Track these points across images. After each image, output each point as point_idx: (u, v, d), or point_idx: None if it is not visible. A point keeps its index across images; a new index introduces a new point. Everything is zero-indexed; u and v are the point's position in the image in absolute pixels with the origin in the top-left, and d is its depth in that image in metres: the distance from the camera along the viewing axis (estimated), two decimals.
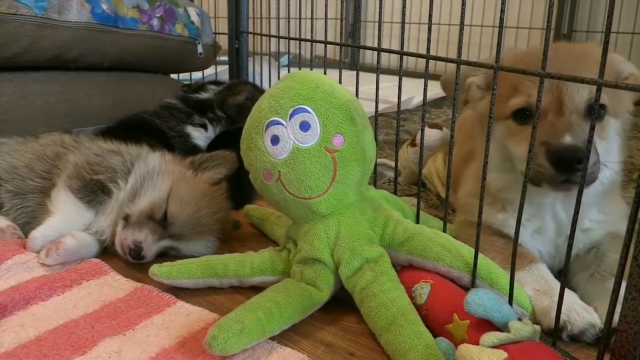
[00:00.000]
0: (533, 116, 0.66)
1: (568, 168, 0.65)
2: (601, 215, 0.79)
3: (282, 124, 0.74)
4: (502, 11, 0.63)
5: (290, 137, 0.74)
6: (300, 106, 0.74)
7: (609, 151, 0.74)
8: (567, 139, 0.65)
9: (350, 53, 3.54)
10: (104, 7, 1.33)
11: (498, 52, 0.65)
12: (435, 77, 0.89)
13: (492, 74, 0.65)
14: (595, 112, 0.55)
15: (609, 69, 0.70)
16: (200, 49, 1.63)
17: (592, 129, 0.54)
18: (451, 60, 0.74)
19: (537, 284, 0.70)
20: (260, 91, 1.39)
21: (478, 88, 0.82)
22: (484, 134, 0.67)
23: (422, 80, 0.79)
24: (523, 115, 0.72)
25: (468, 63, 0.72)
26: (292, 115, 0.74)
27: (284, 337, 0.67)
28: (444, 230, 0.80)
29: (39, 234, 0.85)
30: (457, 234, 0.80)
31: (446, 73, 0.85)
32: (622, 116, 0.76)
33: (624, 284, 0.52)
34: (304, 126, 0.73)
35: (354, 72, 0.98)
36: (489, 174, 0.77)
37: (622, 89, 0.52)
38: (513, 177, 0.77)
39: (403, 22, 0.84)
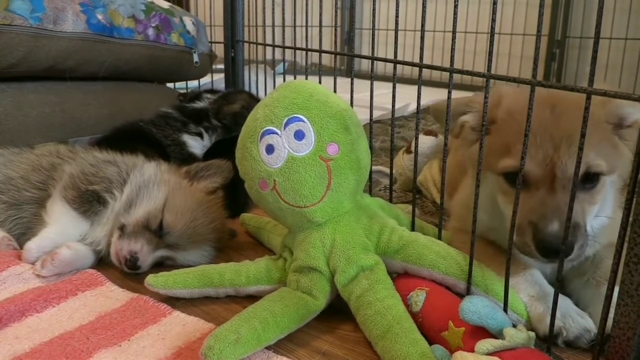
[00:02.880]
0: (524, 183, 0.67)
1: (554, 257, 0.65)
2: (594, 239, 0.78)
3: (276, 133, 0.74)
4: (493, 20, 0.64)
5: (285, 146, 0.74)
6: (295, 115, 0.74)
7: (603, 205, 0.71)
8: (554, 227, 0.64)
9: (346, 60, 3.56)
10: (100, 17, 1.34)
11: (489, 60, 0.66)
12: (431, 84, 0.89)
13: (492, 118, 0.65)
14: (579, 168, 0.56)
15: (605, 115, 0.68)
16: (196, 57, 1.64)
17: (570, 210, 0.54)
18: (444, 69, 0.75)
19: (532, 290, 0.70)
20: (256, 99, 1.39)
21: (472, 130, 0.78)
22: (475, 177, 0.67)
23: (417, 87, 0.80)
24: (514, 179, 0.69)
25: (461, 72, 0.73)
26: (286, 125, 0.74)
27: (280, 347, 0.67)
28: (439, 237, 0.80)
29: (34, 245, 0.85)
30: (451, 241, 0.80)
31: (436, 103, 0.81)
32: (621, 169, 0.72)
33: (616, 290, 0.52)
34: (299, 135, 0.74)
35: (350, 79, 0.99)
36: (482, 219, 0.76)
37: (611, 96, 0.53)
38: (501, 222, 0.74)
39: (396, 31, 0.85)
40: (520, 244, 0.67)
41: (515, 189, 0.66)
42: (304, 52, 1.12)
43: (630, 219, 0.51)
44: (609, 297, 0.53)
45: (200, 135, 1.33)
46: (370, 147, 0.82)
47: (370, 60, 0.91)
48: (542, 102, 0.69)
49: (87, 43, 1.31)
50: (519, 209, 0.66)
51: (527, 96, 0.60)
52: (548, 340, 0.63)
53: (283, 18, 1.16)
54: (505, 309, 0.67)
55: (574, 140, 0.64)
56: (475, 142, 0.78)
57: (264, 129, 0.75)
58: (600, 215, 0.71)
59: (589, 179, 0.68)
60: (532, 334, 0.58)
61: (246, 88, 1.68)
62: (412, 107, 2.42)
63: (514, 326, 0.59)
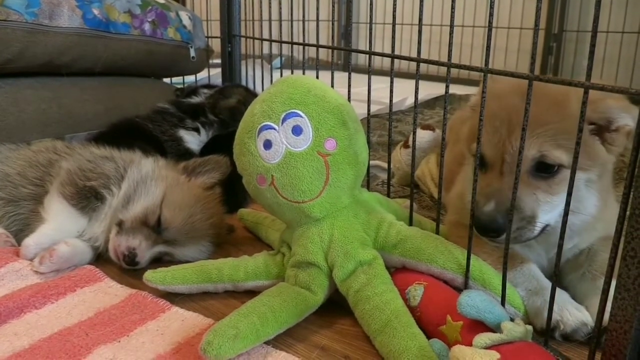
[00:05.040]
0: (484, 164, 0.71)
1: (484, 234, 0.69)
2: (591, 232, 0.78)
3: (274, 129, 0.74)
4: (491, 14, 0.64)
5: (283, 142, 0.74)
6: (293, 110, 0.74)
7: (580, 202, 0.71)
8: (490, 207, 0.67)
9: (343, 55, 3.55)
10: (96, 12, 1.33)
11: (487, 55, 0.65)
12: (428, 78, 0.89)
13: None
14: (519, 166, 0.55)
15: (599, 114, 0.67)
16: (192, 52, 1.63)
17: (514, 196, 0.56)
18: (442, 64, 0.75)
19: (529, 284, 0.71)
20: (253, 94, 1.39)
21: (471, 108, 0.81)
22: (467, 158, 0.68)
23: (415, 81, 0.79)
24: (481, 163, 0.72)
25: (458, 66, 0.73)
26: (284, 120, 0.74)
27: (279, 341, 0.68)
28: (437, 232, 0.80)
29: (32, 242, 0.85)
30: (448, 235, 0.80)
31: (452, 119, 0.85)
32: (598, 169, 0.70)
33: (613, 283, 0.53)
34: (297, 130, 0.74)
35: (347, 74, 0.99)
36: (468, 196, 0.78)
37: (608, 91, 0.53)
38: None
39: (394, 26, 0.84)
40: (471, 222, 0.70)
41: (480, 170, 0.71)
42: (301, 47, 1.12)
43: (628, 213, 0.51)
44: (606, 291, 0.54)
45: (197, 130, 1.33)
46: (368, 142, 0.82)
47: (367, 55, 0.91)
48: (516, 90, 0.70)
49: (83, 38, 1.30)
50: (478, 188, 0.69)
51: (507, 85, 0.62)
52: (545, 333, 0.63)
53: (280, 12, 1.16)
54: (502, 303, 0.67)
55: (533, 127, 0.66)
56: (468, 120, 0.82)
57: (262, 125, 0.75)
58: (580, 212, 0.71)
59: (545, 169, 0.68)
60: (530, 327, 0.58)
61: (243, 83, 1.67)
62: (410, 101, 2.41)
63: (512, 320, 0.59)
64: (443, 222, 0.87)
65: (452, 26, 0.70)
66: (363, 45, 3.69)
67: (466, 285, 0.70)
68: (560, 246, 0.59)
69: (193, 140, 1.30)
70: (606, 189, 0.75)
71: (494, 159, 0.70)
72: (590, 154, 0.68)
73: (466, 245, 0.70)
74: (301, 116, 0.74)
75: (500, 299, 0.68)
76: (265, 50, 2.21)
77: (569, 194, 0.57)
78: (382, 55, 0.92)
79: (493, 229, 0.67)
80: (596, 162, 0.69)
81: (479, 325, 0.60)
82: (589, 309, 0.68)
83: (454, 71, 0.73)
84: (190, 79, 1.85)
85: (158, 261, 0.89)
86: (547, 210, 0.69)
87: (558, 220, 0.69)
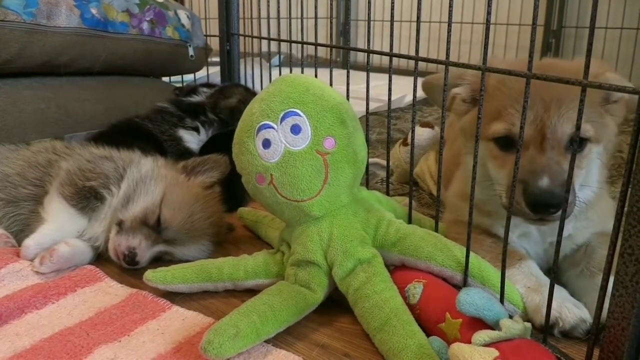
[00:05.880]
0: (514, 145, 0.68)
1: (543, 211, 0.66)
2: (585, 222, 0.79)
3: (273, 128, 0.74)
4: (489, 12, 0.64)
5: (282, 141, 0.74)
6: (291, 109, 0.74)
7: (588, 175, 0.73)
8: (545, 182, 0.65)
9: (342, 52, 3.55)
10: (94, 11, 1.33)
11: (485, 53, 0.65)
12: (427, 75, 0.89)
13: (478, 85, 0.66)
14: (576, 141, 0.56)
15: (598, 90, 0.70)
16: (191, 51, 1.63)
17: (570, 175, 0.55)
18: (440, 62, 0.75)
19: (528, 282, 0.71)
20: (252, 93, 1.39)
21: (463, 102, 0.80)
22: (468, 148, 0.67)
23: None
24: (504, 143, 0.72)
25: (457, 64, 0.73)
26: (283, 119, 0.74)
27: (279, 340, 0.68)
28: (436, 230, 0.80)
29: (32, 242, 0.85)
30: (447, 233, 0.81)
31: (429, 77, 0.83)
32: (606, 141, 0.74)
33: (611, 280, 0.53)
34: (295, 129, 0.74)
35: (346, 71, 0.99)
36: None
37: (606, 89, 0.53)
38: (493, 193, 0.76)
39: (392, 24, 0.84)
40: (509, 202, 0.68)
41: (504, 152, 0.69)
42: (299, 45, 1.12)
43: (625, 209, 0.51)
44: (604, 288, 0.54)
45: (197, 129, 1.33)
46: (367, 140, 0.82)
47: (366, 53, 0.91)
48: (535, 68, 0.70)
49: (82, 38, 1.30)
50: (509, 170, 0.68)
51: (517, 65, 0.61)
52: (544, 330, 0.63)
53: (278, 10, 1.16)
54: (501, 300, 0.68)
55: (564, 102, 0.67)
56: (465, 114, 0.81)
57: (261, 124, 0.75)
58: (589, 185, 0.73)
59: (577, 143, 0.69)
60: (529, 324, 0.58)
61: (242, 81, 1.67)
62: (409, 98, 2.41)
63: (511, 317, 0.59)
64: (442, 220, 0.87)
65: (449, 24, 0.70)
66: (362, 42, 3.68)
67: (465, 283, 0.71)
68: (558, 243, 0.59)
69: (192, 139, 1.30)
70: (603, 167, 0.77)
71: (531, 137, 0.69)
72: (603, 125, 0.71)
73: (465, 243, 0.70)
74: (300, 115, 0.74)
75: (499, 297, 0.68)
76: (264, 49, 2.21)
77: (571, 170, 0.57)
78: (381, 53, 0.92)
79: (554, 204, 0.65)
80: (607, 132, 0.72)
81: (477, 323, 0.60)
82: (587, 305, 0.68)
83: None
84: (189, 77, 1.85)
85: (158, 260, 0.89)
86: (577, 185, 0.70)
87: (578, 195, 0.70)
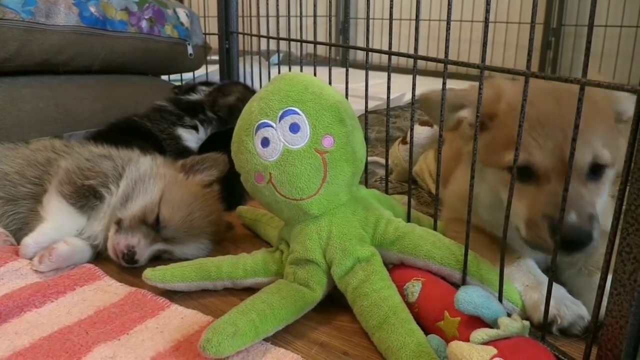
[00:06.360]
0: (533, 176, 0.65)
1: (575, 247, 0.63)
2: None
3: (272, 126, 0.74)
4: (487, 11, 0.64)
5: (281, 139, 0.74)
6: (290, 108, 0.74)
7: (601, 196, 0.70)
8: (573, 218, 0.61)
9: (341, 51, 3.54)
10: (92, 10, 1.33)
11: (484, 51, 0.65)
12: (427, 73, 0.89)
13: (487, 109, 0.64)
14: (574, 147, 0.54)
15: (609, 107, 0.67)
16: (190, 50, 1.63)
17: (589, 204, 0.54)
18: (439, 60, 0.75)
19: (526, 280, 0.71)
20: (251, 92, 1.39)
21: (470, 126, 0.75)
22: (481, 175, 0.65)
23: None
24: (522, 173, 0.67)
25: (456, 63, 0.73)
26: (281, 117, 0.74)
27: (278, 338, 0.68)
28: (435, 228, 0.80)
29: (31, 241, 0.85)
30: (445, 231, 0.81)
31: (426, 93, 0.78)
32: (619, 164, 0.70)
33: (609, 279, 0.53)
34: (294, 128, 0.74)
35: (345, 70, 0.99)
36: (481, 211, 0.77)
37: (605, 87, 0.53)
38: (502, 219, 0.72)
39: (391, 22, 0.84)
40: (533, 238, 0.65)
41: (522, 182, 0.65)
42: (298, 43, 1.12)
43: (623, 208, 0.51)
44: (602, 286, 0.54)
45: (196, 128, 1.33)
46: (366, 138, 0.82)
47: (365, 51, 0.91)
48: (547, 93, 0.68)
49: (80, 36, 1.30)
50: (528, 203, 0.65)
51: (535, 88, 0.59)
52: (543, 328, 0.64)
53: (277, 8, 1.16)
54: (500, 299, 0.68)
55: (583, 131, 0.62)
56: (472, 139, 0.75)
57: (259, 122, 0.75)
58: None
59: (596, 170, 0.66)
60: (527, 323, 0.58)
61: (241, 80, 1.67)
62: (408, 97, 2.41)
63: (509, 315, 0.60)
64: (440, 219, 0.87)
65: (448, 23, 0.70)
66: (361, 40, 3.68)
67: (464, 282, 0.71)
68: (556, 241, 0.59)
69: (191, 138, 1.30)
70: (612, 184, 0.75)
71: (551, 168, 0.65)
72: (617, 147, 0.68)
73: (463, 241, 0.70)
74: (298, 114, 0.74)
75: (497, 295, 0.68)
76: (263, 47, 2.21)
77: (566, 189, 0.57)
78: (380, 52, 0.92)
79: (584, 241, 0.62)
80: (620, 154, 0.68)
81: (476, 321, 0.60)
82: (585, 303, 0.68)
83: (451, 67, 0.72)
84: (188, 76, 1.84)
85: (157, 259, 0.89)
86: (598, 212, 0.67)
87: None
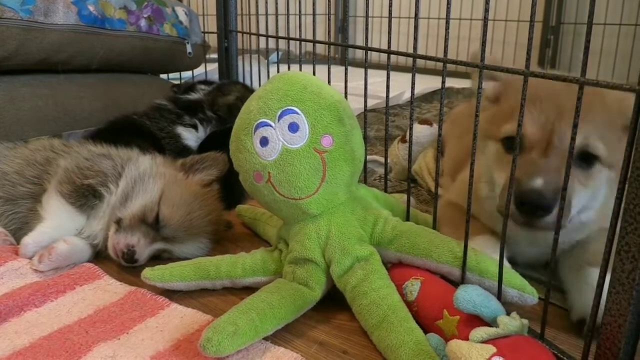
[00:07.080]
0: (521, 147, 0.65)
1: (528, 212, 0.64)
2: (582, 225, 0.77)
3: (270, 126, 0.74)
4: (487, 9, 0.64)
5: (279, 139, 0.74)
6: (289, 107, 0.74)
7: (594, 199, 0.70)
8: (537, 182, 0.63)
9: (340, 49, 3.54)
10: (91, 8, 1.33)
11: (483, 50, 0.66)
12: (426, 71, 0.89)
13: (506, 86, 0.64)
14: (573, 148, 0.54)
15: (620, 114, 0.67)
16: (189, 48, 1.63)
17: (565, 188, 0.53)
18: (438, 59, 0.75)
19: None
20: (250, 91, 1.39)
21: (486, 99, 0.78)
22: (480, 147, 0.65)
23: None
24: (510, 144, 0.69)
25: (454, 62, 0.73)
26: (280, 117, 0.74)
27: (278, 337, 0.68)
28: (434, 227, 0.81)
29: (30, 240, 0.85)
30: (441, 214, 0.80)
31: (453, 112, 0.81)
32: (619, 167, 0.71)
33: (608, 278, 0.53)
34: (293, 127, 0.74)
35: (344, 68, 0.99)
36: (482, 188, 0.77)
37: (603, 87, 0.53)
38: (494, 194, 0.74)
39: (390, 21, 0.84)
40: (502, 204, 0.66)
41: (508, 153, 0.66)
42: (298, 42, 1.12)
43: (622, 207, 0.51)
44: (600, 285, 0.54)
45: (195, 127, 1.33)
46: (365, 137, 0.82)
47: (364, 50, 0.91)
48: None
49: (79, 35, 1.30)
50: (508, 172, 0.65)
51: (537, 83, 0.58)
52: (542, 326, 0.64)
53: (276, 7, 1.16)
54: (499, 297, 0.68)
55: (581, 117, 0.62)
56: (484, 111, 0.77)
57: (258, 122, 0.75)
58: (591, 208, 0.71)
59: (585, 158, 0.66)
60: (526, 321, 0.58)
61: (240, 78, 1.67)
62: (407, 95, 2.41)
63: (508, 314, 0.60)
64: (440, 198, 0.87)
65: (447, 22, 0.70)
66: (360, 39, 3.67)
67: (463, 277, 0.71)
68: (555, 240, 0.59)
69: (190, 137, 1.30)
70: (612, 195, 0.75)
71: (538, 140, 0.67)
72: (620, 151, 0.67)
73: (457, 225, 0.69)
74: (297, 113, 0.74)
75: (498, 284, 0.67)
76: (262, 46, 2.20)
77: (564, 189, 0.57)
78: (379, 50, 0.92)
79: (542, 207, 0.62)
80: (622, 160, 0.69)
81: (475, 320, 0.61)
82: (572, 298, 0.68)
83: (451, 65, 0.73)
84: (187, 75, 1.84)
85: (157, 258, 0.89)
86: (577, 201, 0.67)
87: (575, 215, 0.68)
